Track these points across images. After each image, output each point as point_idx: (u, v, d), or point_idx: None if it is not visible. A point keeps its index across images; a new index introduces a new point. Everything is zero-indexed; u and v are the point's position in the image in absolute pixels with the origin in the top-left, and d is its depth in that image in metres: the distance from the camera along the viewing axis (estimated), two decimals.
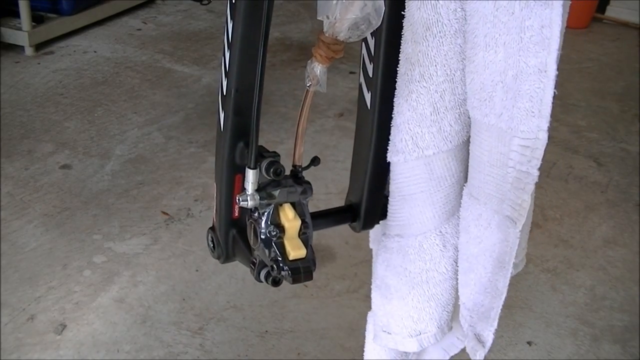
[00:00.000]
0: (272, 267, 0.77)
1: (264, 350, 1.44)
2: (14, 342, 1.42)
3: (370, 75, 0.81)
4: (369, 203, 0.88)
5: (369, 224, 0.90)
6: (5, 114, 2.29)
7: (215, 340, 1.46)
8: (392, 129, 0.81)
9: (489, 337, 0.83)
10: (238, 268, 1.63)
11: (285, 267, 0.76)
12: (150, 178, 2.01)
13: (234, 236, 0.88)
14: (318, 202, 1.91)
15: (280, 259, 0.77)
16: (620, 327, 1.57)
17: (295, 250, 0.77)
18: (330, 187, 1.99)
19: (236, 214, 0.85)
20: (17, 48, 2.73)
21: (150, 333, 1.47)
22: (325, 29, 0.74)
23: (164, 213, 1.86)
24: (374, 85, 0.81)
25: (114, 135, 2.22)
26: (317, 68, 0.77)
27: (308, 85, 0.77)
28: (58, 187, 1.94)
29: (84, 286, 1.58)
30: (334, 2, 0.71)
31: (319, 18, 0.73)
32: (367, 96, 0.82)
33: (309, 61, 0.77)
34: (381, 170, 0.86)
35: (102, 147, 2.15)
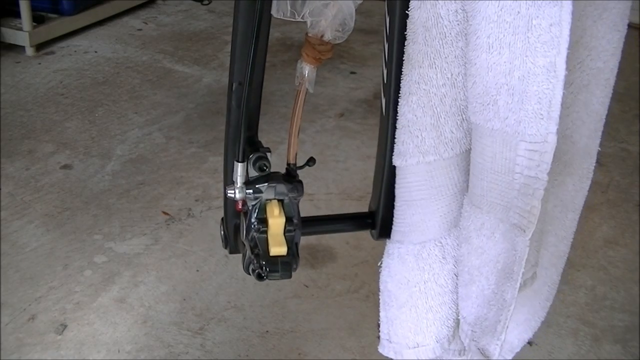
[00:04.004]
0: (252, 260, 0.78)
1: (264, 351, 1.44)
2: (15, 342, 1.42)
3: (385, 81, 0.81)
4: (385, 211, 0.87)
5: (385, 232, 0.89)
6: (5, 114, 2.30)
7: (216, 340, 1.46)
8: (396, 131, 0.80)
9: (495, 350, 0.80)
10: (238, 268, 1.63)
11: (264, 262, 0.77)
12: (151, 178, 2.01)
13: (236, 228, 0.89)
14: (319, 203, 1.91)
15: (260, 253, 0.77)
16: (621, 327, 1.57)
17: (275, 247, 0.77)
18: (331, 188, 1.99)
19: (240, 207, 0.85)
20: (18, 48, 2.73)
21: (151, 333, 1.47)
22: (309, 29, 0.74)
23: (165, 213, 1.86)
24: (387, 91, 0.81)
25: (115, 135, 2.22)
26: (305, 68, 0.77)
27: (297, 84, 0.77)
28: (59, 187, 1.94)
29: (85, 286, 1.58)
30: (316, 2, 0.71)
31: (300, 19, 0.72)
32: (383, 102, 0.82)
33: (299, 61, 0.77)
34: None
35: (103, 147, 2.15)
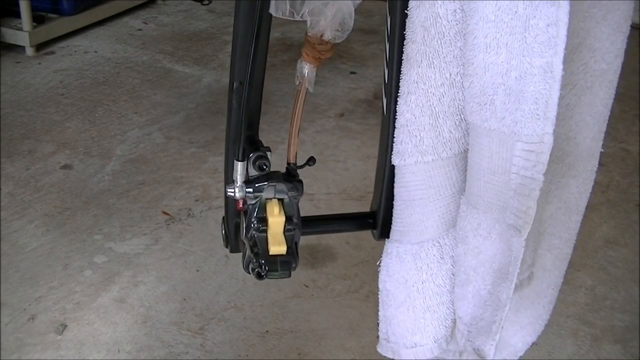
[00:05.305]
0: (252, 259, 0.78)
1: (264, 351, 1.44)
2: (15, 342, 1.42)
3: (386, 81, 0.81)
4: (386, 211, 0.87)
5: (387, 232, 0.89)
6: (6, 114, 2.30)
7: (216, 340, 1.46)
8: (395, 130, 0.80)
9: (490, 351, 0.81)
10: (238, 268, 1.63)
11: (263, 261, 0.77)
12: (151, 178, 2.01)
13: (237, 227, 0.89)
14: (318, 202, 1.91)
15: (260, 252, 0.78)
16: (621, 327, 1.57)
17: (275, 246, 0.78)
18: (331, 187, 1.99)
19: (240, 205, 0.85)
20: (18, 48, 2.73)
21: (151, 333, 1.47)
22: (309, 29, 0.74)
23: (165, 213, 1.86)
24: (388, 91, 0.81)
25: (115, 135, 2.22)
26: (305, 68, 0.77)
27: (297, 84, 0.78)
28: (59, 187, 1.94)
29: (85, 286, 1.58)
30: (316, 2, 0.71)
31: (299, 18, 0.72)
32: (384, 102, 0.82)
33: (299, 60, 0.77)
34: None
35: (103, 147, 2.15)
